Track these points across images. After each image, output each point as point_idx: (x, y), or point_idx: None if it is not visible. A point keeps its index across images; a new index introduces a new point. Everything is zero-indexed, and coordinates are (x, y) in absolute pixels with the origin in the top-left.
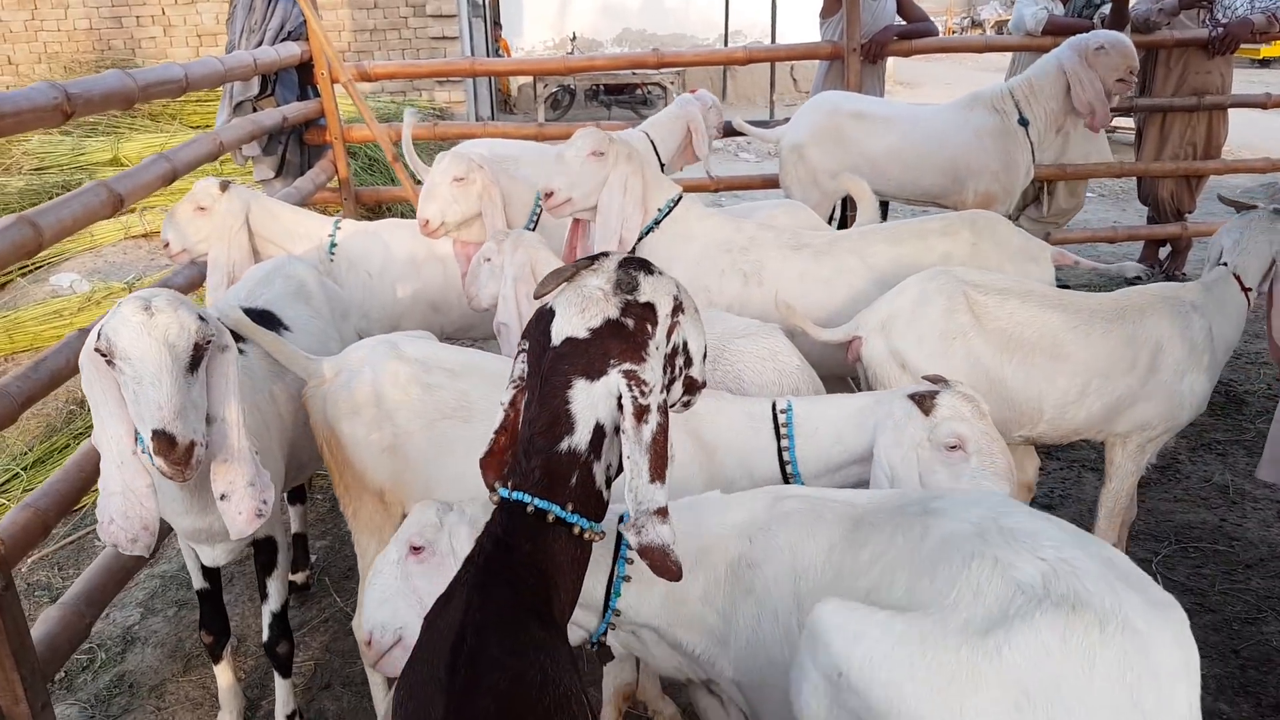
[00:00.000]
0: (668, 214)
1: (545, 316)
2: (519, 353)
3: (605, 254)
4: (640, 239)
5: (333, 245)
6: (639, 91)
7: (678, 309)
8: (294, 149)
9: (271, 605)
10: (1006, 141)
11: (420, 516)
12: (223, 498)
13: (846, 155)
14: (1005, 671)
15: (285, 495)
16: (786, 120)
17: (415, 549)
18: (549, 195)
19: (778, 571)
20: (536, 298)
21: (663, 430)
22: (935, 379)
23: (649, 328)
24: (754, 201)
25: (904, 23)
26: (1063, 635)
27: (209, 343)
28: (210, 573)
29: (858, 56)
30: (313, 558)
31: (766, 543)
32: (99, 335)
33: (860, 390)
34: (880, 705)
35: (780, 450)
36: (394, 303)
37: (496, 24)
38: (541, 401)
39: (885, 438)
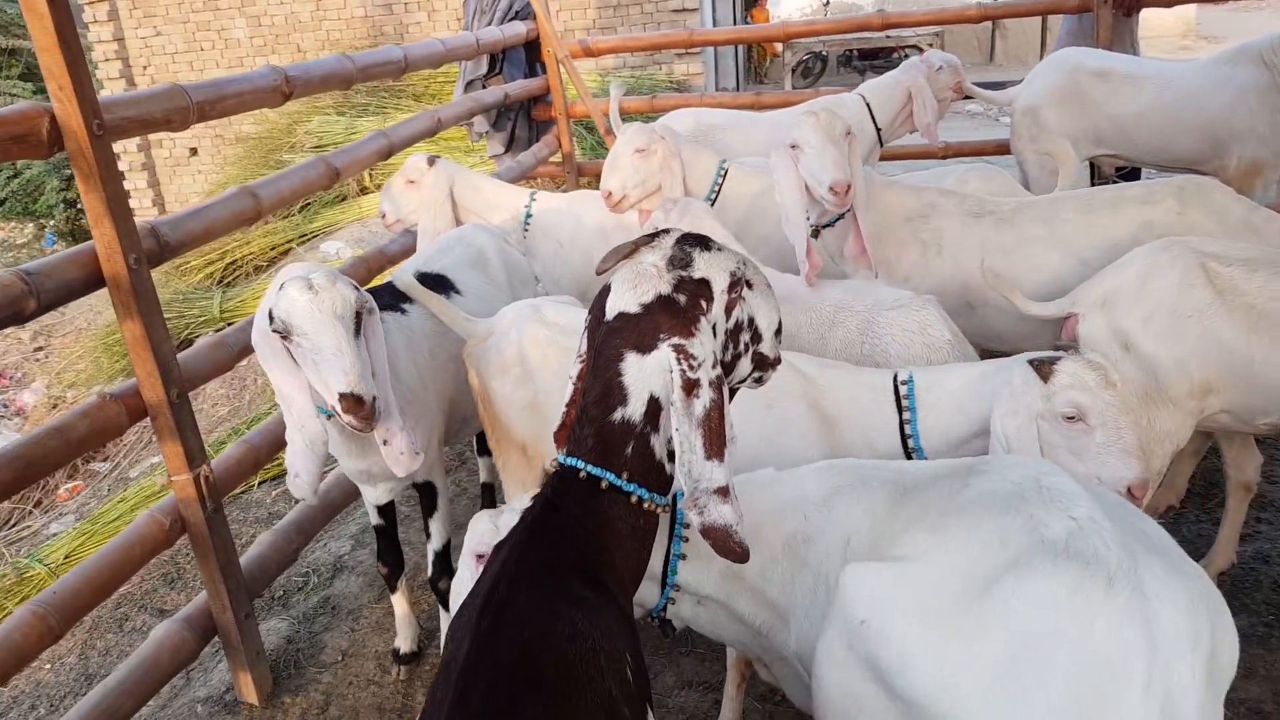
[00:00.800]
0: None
1: (603, 292)
2: (584, 329)
3: (667, 230)
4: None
5: (528, 217)
6: (895, 55)
7: (737, 284)
8: (522, 125)
9: (434, 544)
10: (1277, 100)
11: (478, 527)
12: (385, 443)
13: (1087, 118)
14: (1009, 620)
15: (474, 446)
16: (1019, 81)
17: (479, 557)
18: (608, 196)
19: (830, 545)
20: (599, 273)
21: (717, 406)
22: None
23: (703, 303)
24: (947, 166)
25: None
26: (1070, 589)
27: (366, 309)
28: (385, 511)
29: (1109, 8)
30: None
31: (820, 517)
32: (271, 317)
33: None
34: (892, 651)
35: (902, 424)
36: (582, 271)
37: None
38: (595, 373)
39: (1001, 406)
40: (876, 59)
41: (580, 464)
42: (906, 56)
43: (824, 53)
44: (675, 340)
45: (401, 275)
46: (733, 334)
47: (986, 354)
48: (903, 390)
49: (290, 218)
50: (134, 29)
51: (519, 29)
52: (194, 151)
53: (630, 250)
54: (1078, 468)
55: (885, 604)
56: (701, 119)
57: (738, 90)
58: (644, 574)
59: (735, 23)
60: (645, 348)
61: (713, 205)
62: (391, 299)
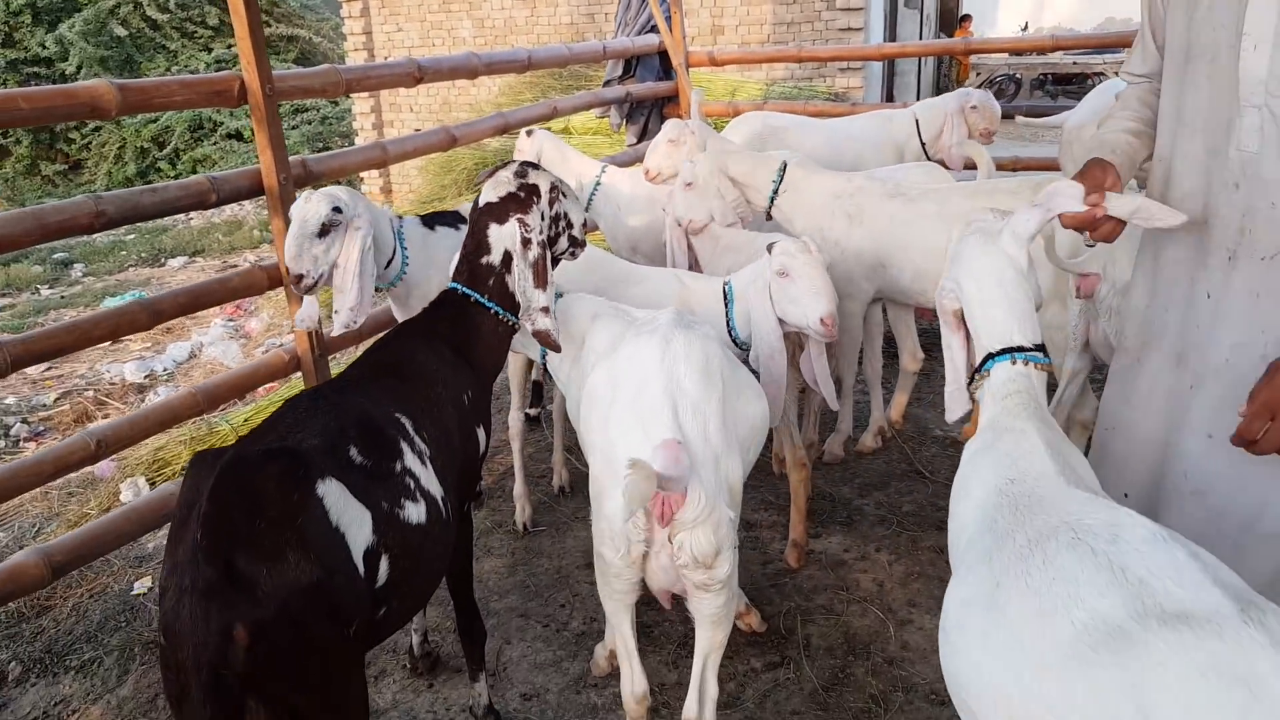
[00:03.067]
0: (780, 180)
1: (478, 197)
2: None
3: (514, 161)
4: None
5: (596, 185)
6: (1090, 80)
7: (555, 190)
8: (655, 120)
9: None
10: None
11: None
12: (335, 311)
13: None
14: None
15: None
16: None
17: None
18: (646, 173)
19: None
20: (478, 185)
21: (542, 257)
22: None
23: (535, 198)
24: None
25: None
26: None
27: (335, 224)
28: None
29: None
30: None
31: (595, 327)
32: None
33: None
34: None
35: (727, 315)
36: (631, 230)
37: (964, 15)
38: (471, 236)
39: (746, 281)
40: (1070, 84)
41: (459, 287)
42: (1098, 81)
43: (1018, 75)
44: (518, 215)
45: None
46: (554, 220)
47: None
48: (726, 291)
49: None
50: (380, 24)
51: (651, 39)
52: (417, 131)
53: (495, 169)
54: (791, 309)
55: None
56: (768, 120)
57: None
58: (502, 365)
59: (921, 38)
60: (501, 220)
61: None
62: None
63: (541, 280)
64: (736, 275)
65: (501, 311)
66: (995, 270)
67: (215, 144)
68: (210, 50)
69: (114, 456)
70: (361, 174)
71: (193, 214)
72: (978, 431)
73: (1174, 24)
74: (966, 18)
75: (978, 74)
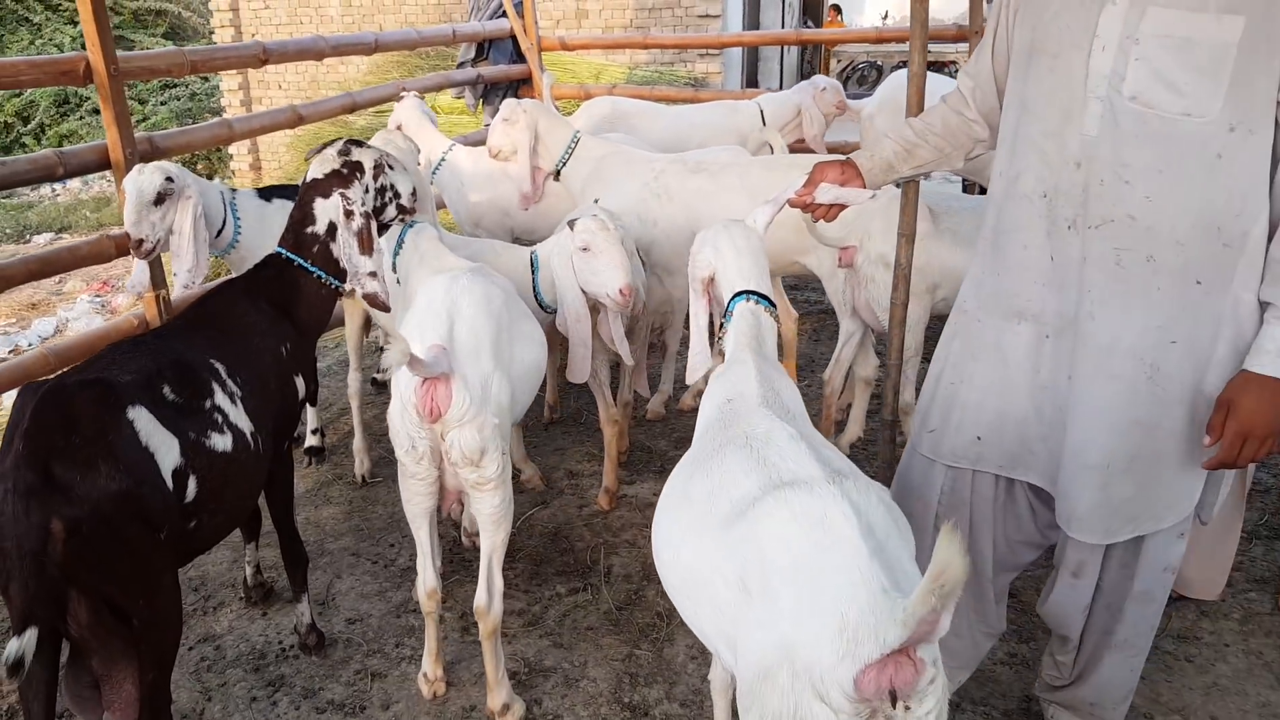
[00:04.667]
0: (570, 154)
1: (306, 175)
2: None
3: (340, 139)
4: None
5: (441, 160)
6: (945, 69)
7: (378, 165)
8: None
9: None
10: None
11: None
12: (175, 274)
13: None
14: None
15: None
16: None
17: None
18: (488, 150)
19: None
20: (306, 160)
21: (367, 227)
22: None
23: (358, 173)
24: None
25: None
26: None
27: (170, 193)
28: None
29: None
30: None
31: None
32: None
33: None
34: None
35: (532, 280)
36: (473, 205)
37: (834, 5)
38: (298, 208)
39: (551, 252)
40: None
41: (283, 251)
42: (954, 69)
43: (879, 63)
44: (340, 190)
45: None
46: (380, 191)
47: None
48: (532, 259)
49: None
50: (247, 3)
51: (503, 24)
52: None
53: (321, 148)
54: (592, 280)
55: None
56: (617, 106)
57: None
58: (326, 324)
59: (783, 26)
60: (326, 194)
61: (565, 165)
62: None
63: (366, 247)
64: (541, 245)
65: (324, 275)
66: (745, 235)
67: (81, 119)
68: (75, 24)
69: None
70: (231, 150)
71: (58, 190)
72: (724, 364)
73: (1020, 28)
74: (835, 8)
75: (839, 60)
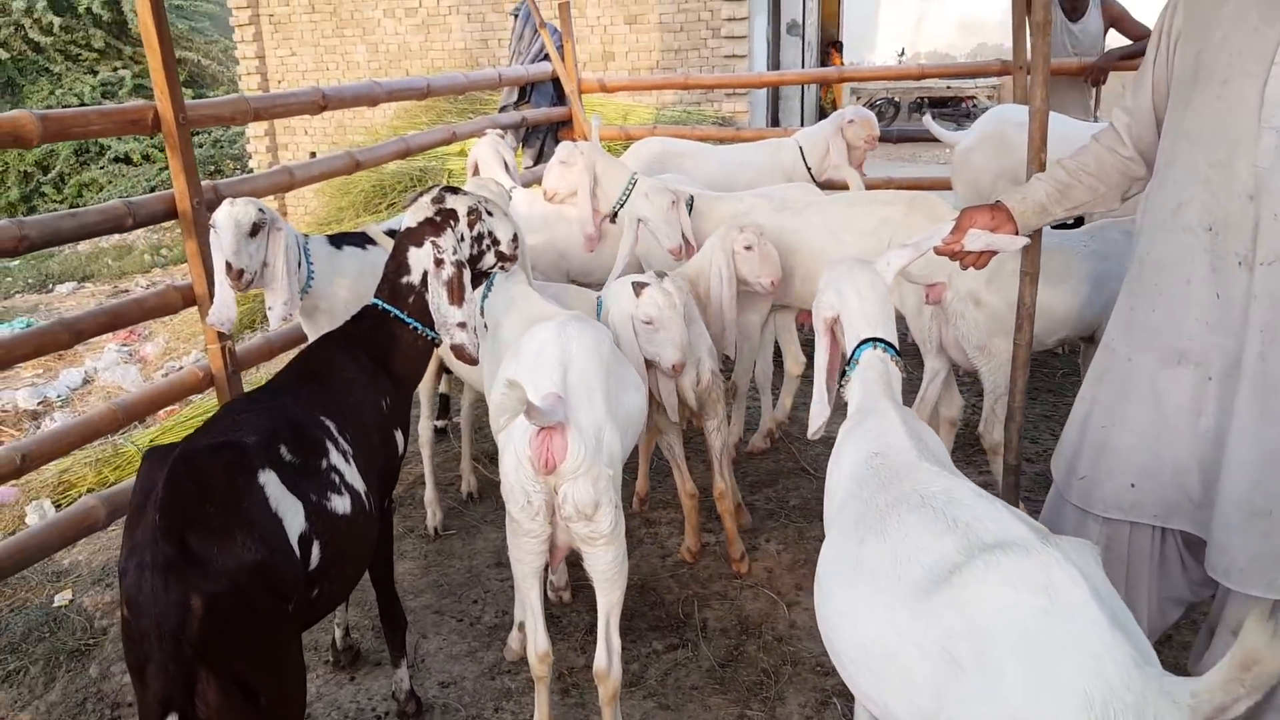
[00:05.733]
0: (628, 195)
1: (402, 223)
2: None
3: (437, 185)
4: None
5: None
6: (963, 104)
7: (474, 211)
8: (550, 143)
9: None
10: None
11: None
12: (270, 307)
13: (1009, 159)
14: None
15: None
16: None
17: None
18: (544, 192)
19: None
20: (403, 208)
21: (458, 276)
22: (661, 275)
23: (451, 221)
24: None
25: (1128, 41)
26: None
27: (263, 224)
28: None
29: (1024, 74)
30: None
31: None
32: (213, 218)
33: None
34: None
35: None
36: (530, 248)
37: (834, 43)
38: (393, 258)
39: (614, 308)
40: (945, 106)
41: (379, 302)
42: (975, 105)
43: (896, 100)
44: (432, 238)
45: (374, 226)
46: (476, 240)
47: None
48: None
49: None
50: (274, 49)
51: (545, 67)
52: (313, 155)
53: (416, 196)
54: (648, 349)
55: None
56: (667, 146)
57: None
58: (421, 377)
59: (803, 65)
60: (419, 243)
61: (621, 206)
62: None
63: (456, 297)
64: (606, 291)
65: (420, 327)
66: (871, 281)
67: (102, 168)
68: (96, 73)
69: (13, 482)
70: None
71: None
72: (849, 414)
73: (1183, 55)
74: (835, 46)
75: (858, 97)
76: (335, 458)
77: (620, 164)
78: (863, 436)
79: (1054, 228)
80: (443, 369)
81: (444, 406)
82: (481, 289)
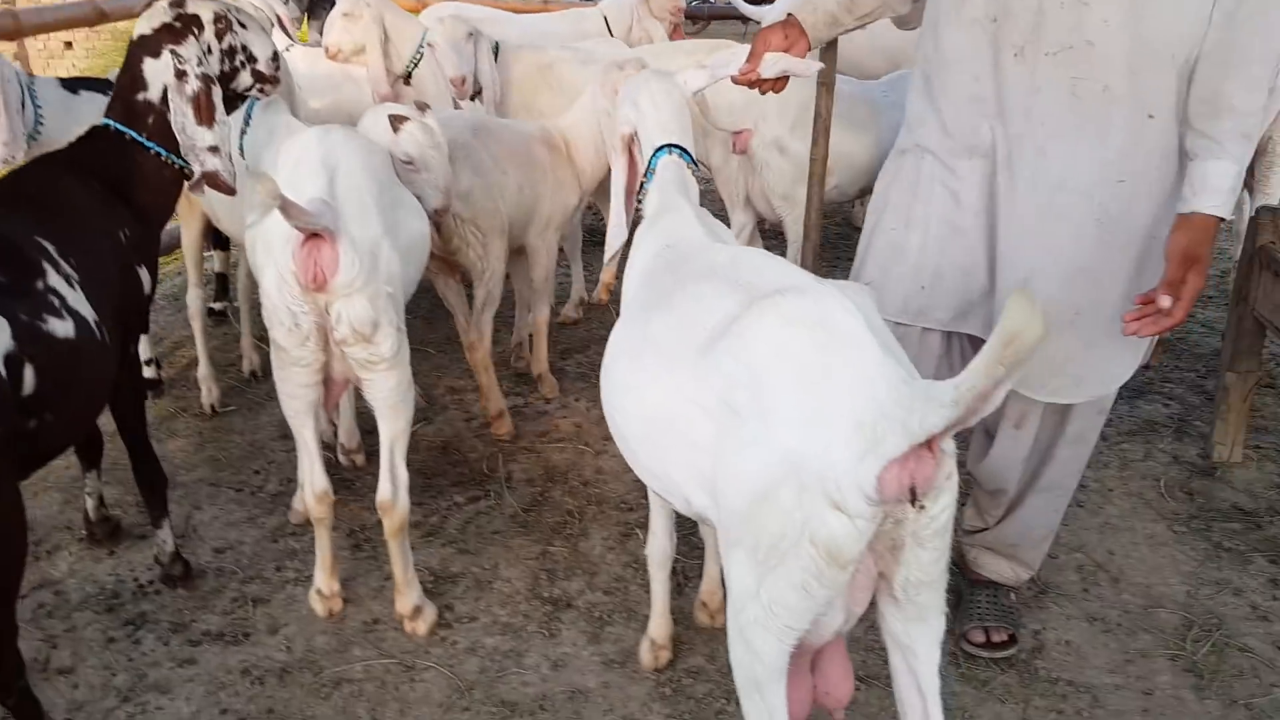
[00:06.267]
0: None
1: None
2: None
3: None
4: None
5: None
6: None
7: (223, 19)
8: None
9: None
10: None
11: None
12: None
13: None
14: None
15: None
16: None
17: None
18: (326, 50)
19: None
20: (137, 14)
21: (206, 93)
22: (422, 106)
23: (194, 28)
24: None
25: None
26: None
27: None
28: None
29: None
30: None
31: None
32: None
33: None
34: None
35: None
36: (315, 112)
37: None
38: (125, 70)
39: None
40: None
41: (111, 123)
42: None
43: None
44: (171, 47)
45: None
46: (228, 54)
47: None
48: None
49: None
50: None
51: None
52: (69, 45)
53: (150, 2)
54: (409, 189)
55: None
56: (462, 12)
57: None
58: (170, 211)
59: None
60: (155, 53)
61: (416, 66)
62: None
63: (205, 117)
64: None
65: (164, 152)
66: (666, 90)
67: None
68: None
69: None
70: None
71: None
72: (644, 220)
73: None
74: None
75: None
76: (55, 280)
77: (412, 18)
78: (656, 235)
79: None
80: (209, 231)
81: (222, 288)
82: (239, 117)
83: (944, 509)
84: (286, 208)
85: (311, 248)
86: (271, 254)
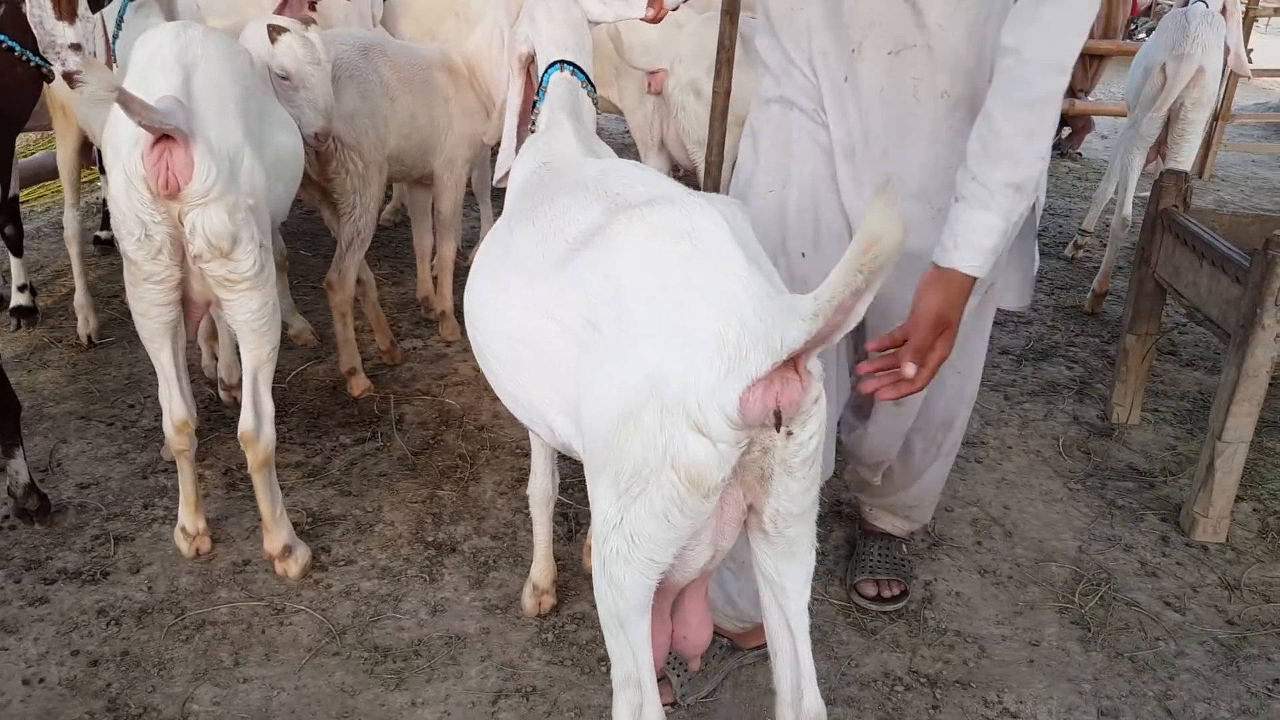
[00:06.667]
0: None
1: None
2: None
3: None
4: None
5: None
6: None
7: None
8: None
9: None
10: None
11: None
12: None
13: None
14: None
15: None
16: None
17: None
18: None
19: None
20: None
21: None
22: (307, 21)
23: None
24: None
25: None
26: None
27: None
28: None
29: None
30: None
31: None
32: None
33: None
34: None
35: None
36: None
37: None
38: None
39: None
40: None
41: None
42: None
43: None
44: None
45: None
46: None
47: None
48: None
49: None
50: None
51: None
52: None
53: None
54: (288, 109)
55: None
56: None
57: None
58: (27, 113)
59: None
60: None
61: None
62: None
63: (66, 12)
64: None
65: (18, 48)
66: (565, 6)
67: None
68: None
69: None
70: None
71: None
72: (530, 139)
73: None
74: None
75: None
76: None
77: None
78: (535, 152)
79: None
80: (87, 148)
81: (108, 216)
82: (110, 21)
83: (812, 435)
84: (127, 102)
85: (162, 149)
86: (120, 156)
